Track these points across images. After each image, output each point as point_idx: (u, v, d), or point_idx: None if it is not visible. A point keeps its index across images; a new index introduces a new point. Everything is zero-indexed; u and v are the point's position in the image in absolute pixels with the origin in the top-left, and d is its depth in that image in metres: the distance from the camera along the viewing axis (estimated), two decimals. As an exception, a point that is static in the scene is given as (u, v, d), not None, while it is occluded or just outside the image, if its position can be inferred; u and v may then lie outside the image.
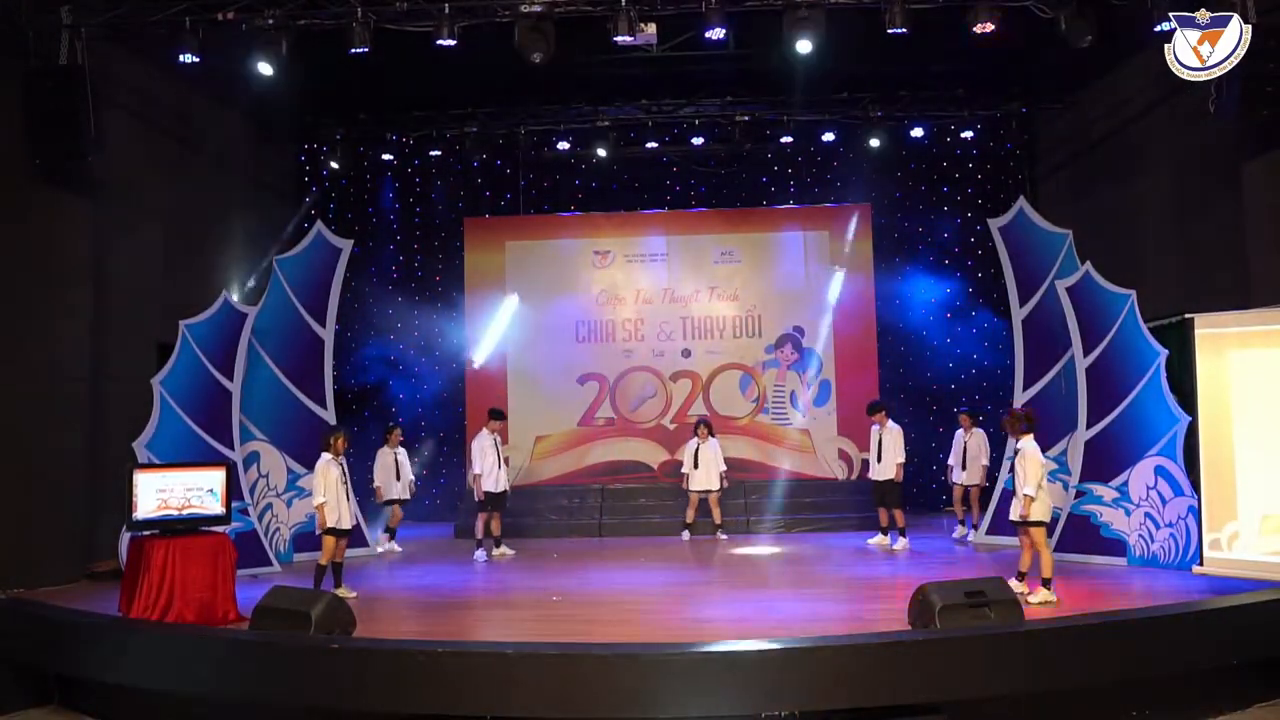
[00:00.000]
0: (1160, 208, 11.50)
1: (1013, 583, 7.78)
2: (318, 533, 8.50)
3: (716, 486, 12.11)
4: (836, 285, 14.05)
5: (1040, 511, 7.65)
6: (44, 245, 9.38)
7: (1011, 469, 10.62)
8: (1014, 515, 7.75)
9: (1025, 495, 7.58)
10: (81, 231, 9.81)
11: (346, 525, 8.57)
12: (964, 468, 11.46)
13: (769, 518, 12.87)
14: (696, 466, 12.11)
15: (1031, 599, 7.49)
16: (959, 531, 11.48)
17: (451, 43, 9.24)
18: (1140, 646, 5.69)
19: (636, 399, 14.14)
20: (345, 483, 8.63)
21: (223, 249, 12.66)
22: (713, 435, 12.27)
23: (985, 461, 11.41)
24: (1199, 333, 8.38)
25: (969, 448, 11.46)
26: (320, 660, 5.54)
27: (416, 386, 14.71)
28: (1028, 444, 7.72)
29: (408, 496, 11.59)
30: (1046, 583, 7.57)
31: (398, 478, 11.42)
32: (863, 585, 8.76)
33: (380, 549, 11.22)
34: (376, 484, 11.42)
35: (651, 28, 9.44)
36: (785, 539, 12.10)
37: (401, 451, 11.59)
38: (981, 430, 11.58)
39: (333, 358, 11.28)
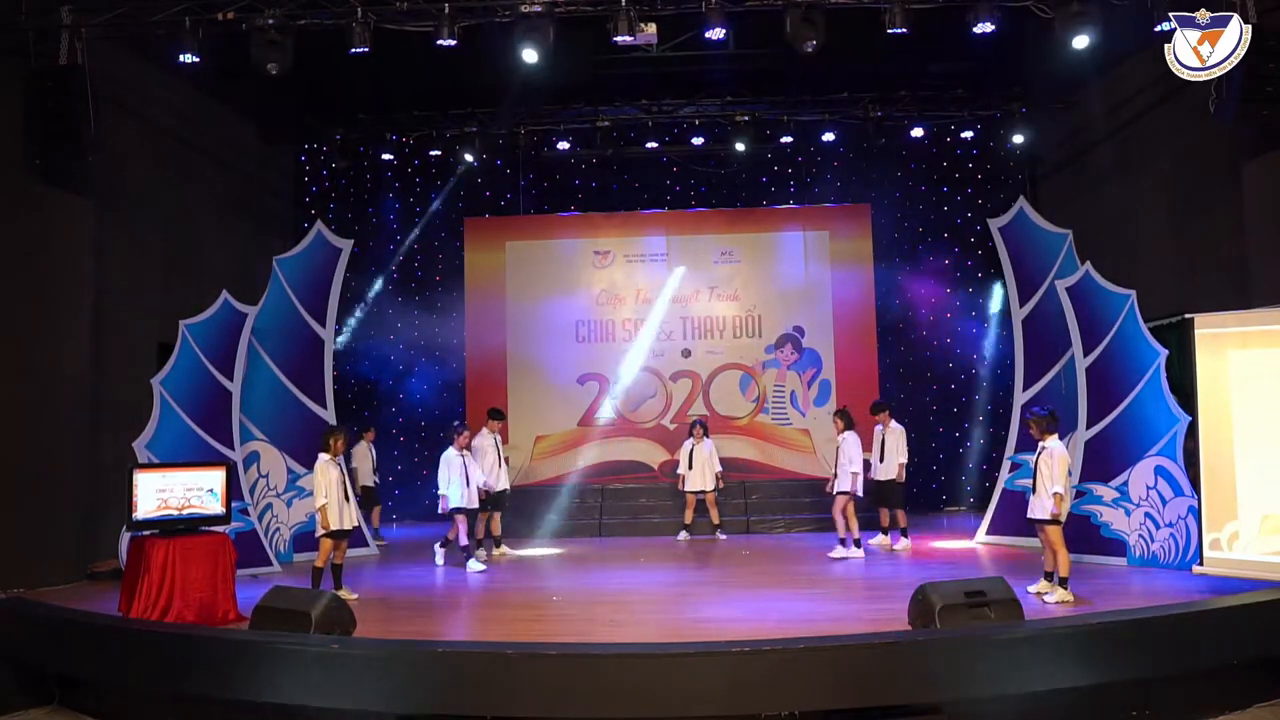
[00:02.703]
0: (1160, 208, 11.50)
1: (1041, 583, 7.80)
2: (317, 535, 8.49)
3: (711, 487, 12.11)
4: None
5: (1062, 510, 7.70)
6: (44, 245, 9.39)
7: (1015, 468, 10.73)
8: (1042, 514, 7.70)
9: (1056, 494, 7.59)
10: (81, 231, 9.82)
11: (347, 527, 8.56)
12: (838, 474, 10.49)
13: (769, 517, 12.87)
14: (691, 467, 12.12)
15: (1048, 599, 7.50)
16: (837, 551, 10.33)
17: (451, 43, 9.24)
18: (1140, 646, 5.68)
19: (636, 399, 14.14)
20: (345, 484, 8.62)
21: (223, 249, 12.67)
22: (708, 436, 12.27)
23: (855, 469, 10.34)
24: (1199, 333, 8.36)
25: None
26: (320, 660, 5.53)
27: (416, 386, 14.71)
28: (1055, 443, 7.74)
29: (476, 506, 10.39)
30: (1063, 582, 7.57)
31: (467, 484, 10.18)
32: (863, 585, 8.76)
33: (479, 567, 10.05)
34: (442, 492, 10.14)
35: (651, 28, 9.44)
36: (785, 539, 12.10)
37: (469, 455, 10.38)
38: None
39: (332, 358, 11.28)
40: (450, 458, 10.13)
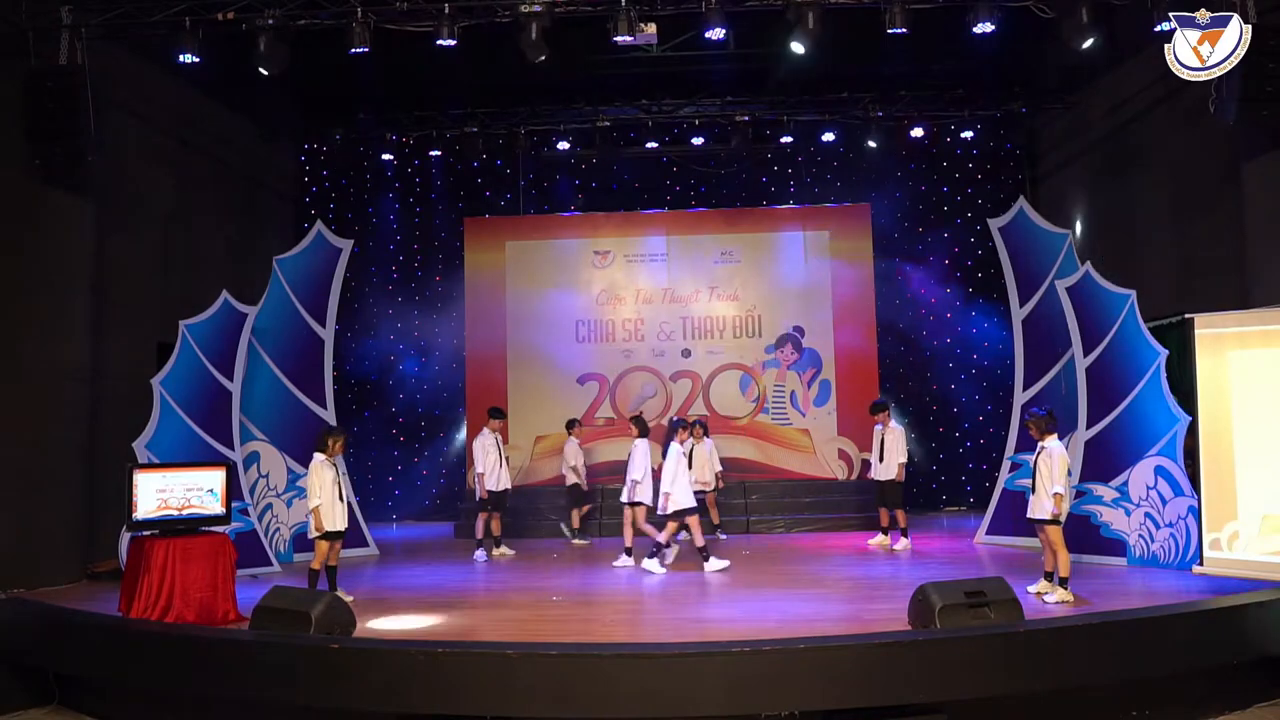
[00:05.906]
0: (1160, 207, 11.51)
1: (1041, 583, 7.80)
2: (311, 537, 8.43)
3: (712, 487, 12.10)
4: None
5: (1062, 510, 7.70)
6: (44, 245, 9.38)
7: (1015, 468, 10.73)
8: (1042, 514, 7.67)
9: (1056, 494, 7.58)
10: (81, 232, 9.81)
11: (340, 527, 8.45)
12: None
13: (769, 517, 12.87)
14: (690, 467, 12.08)
15: (1048, 599, 7.49)
16: (620, 560, 10.06)
17: (451, 43, 9.25)
18: (1140, 646, 5.69)
19: (636, 399, 14.14)
20: (340, 484, 8.52)
21: (223, 249, 12.67)
22: (708, 435, 12.25)
23: (637, 478, 10.00)
24: (1199, 333, 8.37)
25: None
26: (320, 660, 5.53)
27: (416, 386, 14.72)
28: (1054, 443, 7.72)
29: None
30: (1064, 582, 7.57)
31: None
32: (863, 585, 8.75)
33: (721, 565, 9.56)
34: (665, 490, 9.52)
35: (651, 28, 9.44)
36: (785, 539, 12.10)
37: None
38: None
39: (333, 357, 11.28)
40: (678, 454, 9.65)
